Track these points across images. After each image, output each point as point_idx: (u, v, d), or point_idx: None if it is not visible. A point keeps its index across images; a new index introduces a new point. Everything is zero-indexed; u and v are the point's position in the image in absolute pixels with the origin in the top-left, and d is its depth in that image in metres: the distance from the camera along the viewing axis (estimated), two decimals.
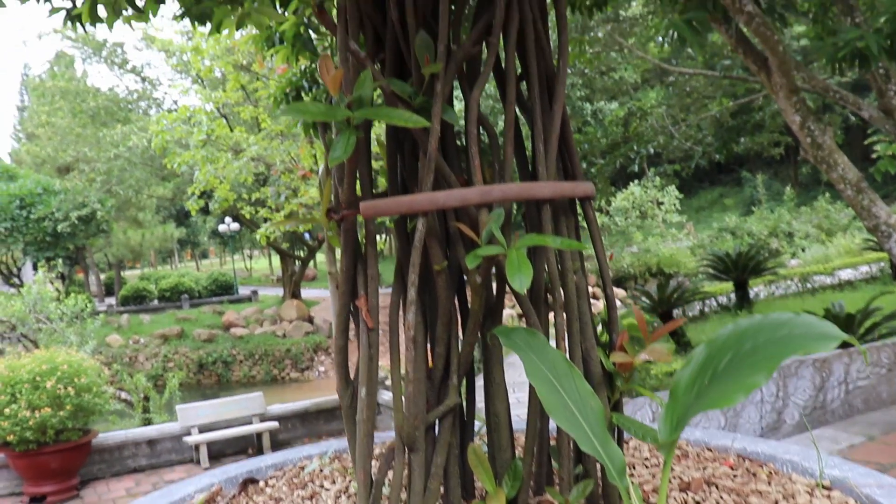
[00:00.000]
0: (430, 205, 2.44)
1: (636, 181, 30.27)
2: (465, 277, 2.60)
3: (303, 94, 7.21)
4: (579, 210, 3.00)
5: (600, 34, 17.64)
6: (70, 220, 29.58)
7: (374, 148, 6.33)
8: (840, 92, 10.01)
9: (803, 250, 26.31)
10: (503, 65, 2.69)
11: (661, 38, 10.11)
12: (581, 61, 13.27)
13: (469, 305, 2.68)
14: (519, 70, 2.84)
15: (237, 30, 4.76)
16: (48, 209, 29.95)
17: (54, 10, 4.03)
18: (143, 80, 29.05)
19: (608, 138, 17.45)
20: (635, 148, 17.15)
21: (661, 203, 29.29)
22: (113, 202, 31.74)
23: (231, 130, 17.97)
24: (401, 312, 2.69)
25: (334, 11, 2.82)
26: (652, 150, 17.33)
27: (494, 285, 2.83)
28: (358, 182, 2.67)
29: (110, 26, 4.59)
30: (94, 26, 4.46)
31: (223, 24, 4.63)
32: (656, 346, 2.91)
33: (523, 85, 2.88)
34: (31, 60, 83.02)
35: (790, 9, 9.69)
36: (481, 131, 2.66)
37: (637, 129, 17.67)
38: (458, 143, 2.83)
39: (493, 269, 2.70)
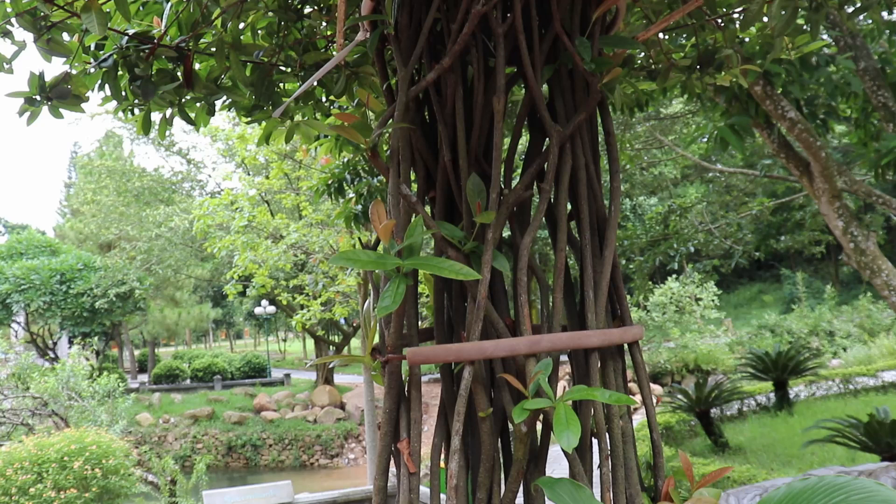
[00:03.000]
0: (477, 354, 2.40)
1: (674, 276, 30.08)
2: (510, 424, 2.53)
3: (345, 186, 7.27)
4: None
5: (640, 129, 17.78)
6: (108, 297, 29.98)
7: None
8: (883, 197, 9.93)
9: (845, 350, 25.80)
10: (554, 209, 2.67)
11: (704, 139, 10.14)
12: (622, 159, 13.35)
13: (513, 451, 2.60)
14: (569, 208, 2.82)
15: (286, 142, 4.82)
16: (87, 285, 30.41)
17: (115, 107, 4.10)
18: (189, 162, 29.68)
19: (648, 235, 17.40)
20: (675, 246, 17.09)
21: (700, 299, 29.04)
22: (151, 280, 32.15)
23: (272, 216, 18.19)
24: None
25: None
26: (692, 249, 17.23)
27: (539, 430, 2.76)
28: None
29: (162, 136, 4.67)
30: (147, 135, 4.53)
31: (272, 135, 4.70)
32: (704, 494, 2.80)
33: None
34: (81, 138, 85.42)
35: (832, 115, 9.70)
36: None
37: (677, 226, 17.62)
38: (506, 286, 2.80)
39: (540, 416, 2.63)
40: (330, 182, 7.27)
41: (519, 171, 2.95)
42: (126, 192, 30.89)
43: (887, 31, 8.02)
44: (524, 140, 2.87)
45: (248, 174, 21.79)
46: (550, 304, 2.62)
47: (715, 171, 19.43)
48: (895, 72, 9.18)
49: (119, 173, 31.22)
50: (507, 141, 3.95)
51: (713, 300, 29.24)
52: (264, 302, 33.65)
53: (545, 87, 2.86)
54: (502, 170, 2.64)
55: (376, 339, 2.68)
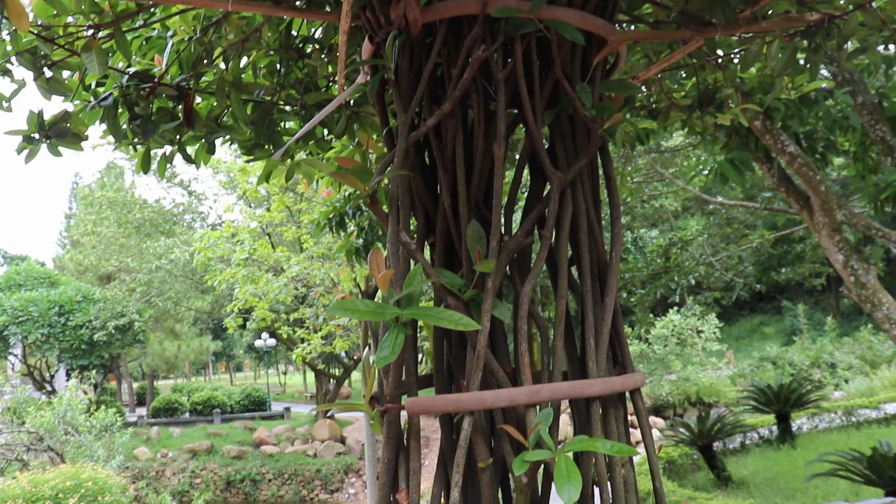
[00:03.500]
0: (477, 405, 2.36)
1: (676, 308, 30.01)
2: (510, 474, 2.49)
3: (346, 220, 7.26)
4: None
5: (641, 162, 17.83)
6: (107, 329, 29.87)
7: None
8: (882, 230, 9.92)
9: (847, 382, 25.70)
10: (555, 255, 2.64)
11: (705, 172, 10.15)
12: (623, 192, 13.36)
13: (513, 502, 2.56)
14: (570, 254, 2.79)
15: (286, 181, 4.81)
16: (86, 317, 30.31)
17: (120, 146, 4.10)
18: (190, 193, 29.74)
19: (649, 268, 17.39)
20: (676, 279, 17.07)
21: (701, 331, 28.95)
22: (151, 313, 32.07)
23: (273, 249, 18.19)
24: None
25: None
26: (693, 281, 17.22)
27: (540, 478, 2.72)
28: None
29: (161, 174, 4.66)
30: (146, 174, 4.53)
31: (273, 174, 4.69)
32: None
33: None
34: (82, 169, 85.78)
35: (831, 149, 9.72)
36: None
37: (678, 259, 17.61)
38: (507, 332, 2.76)
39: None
40: (331, 216, 7.27)
41: (520, 214, 2.93)
42: (127, 224, 30.92)
43: (884, 66, 8.05)
44: (526, 179, 2.85)
45: (250, 206, 21.82)
46: (551, 349, 2.59)
47: (715, 203, 19.45)
48: (893, 106, 9.21)
49: (120, 204, 31.27)
50: (507, 184, 3.93)
51: (714, 332, 29.15)
52: (265, 335, 33.56)
53: (546, 130, 2.84)
54: (503, 216, 2.62)
55: (375, 388, 2.64)
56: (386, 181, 2.88)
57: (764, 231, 19.10)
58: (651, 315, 24.36)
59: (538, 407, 2.46)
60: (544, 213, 2.62)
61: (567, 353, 2.88)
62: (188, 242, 24.15)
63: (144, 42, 4.14)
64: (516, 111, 2.80)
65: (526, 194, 2.80)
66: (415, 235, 2.81)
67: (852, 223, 10.08)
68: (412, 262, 2.54)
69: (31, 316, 29.87)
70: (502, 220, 2.62)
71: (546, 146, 2.78)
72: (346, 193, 7.07)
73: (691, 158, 18.05)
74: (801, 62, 4.31)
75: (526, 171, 2.87)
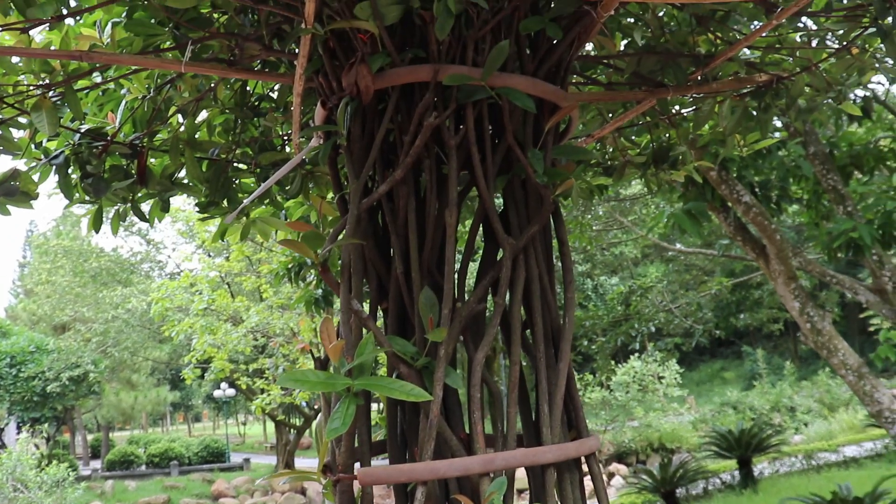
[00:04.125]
0: (430, 475, 2.33)
1: (637, 355, 30.12)
2: None
3: (305, 270, 7.22)
4: None
5: (600, 211, 18.01)
6: (61, 381, 29.22)
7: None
8: (836, 276, 10.09)
9: (806, 425, 25.88)
10: (508, 321, 2.63)
11: (663, 222, 10.28)
12: (582, 241, 13.46)
13: None
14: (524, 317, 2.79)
15: (242, 238, 4.77)
16: (39, 368, 29.64)
17: (71, 204, 4.05)
18: (148, 242, 29.44)
19: (609, 315, 17.50)
20: (636, 326, 17.19)
21: (662, 377, 29.04)
22: (107, 363, 31.49)
23: (233, 298, 18.01)
24: None
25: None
26: (653, 328, 17.35)
27: None
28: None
29: (114, 232, 4.60)
30: (98, 233, 4.47)
31: (227, 231, 4.65)
32: None
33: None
34: (37, 217, 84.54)
35: (785, 198, 9.91)
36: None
37: (637, 306, 17.75)
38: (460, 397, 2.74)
39: None
40: (290, 266, 7.24)
41: (473, 278, 2.92)
42: (83, 273, 30.47)
43: (833, 117, 8.27)
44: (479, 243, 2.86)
45: (209, 256, 21.64)
46: (505, 416, 2.57)
47: (674, 250, 19.68)
48: (843, 155, 9.43)
49: (76, 253, 30.84)
50: (462, 242, 3.93)
51: (676, 378, 29.23)
52: (224, 384, 33.07)
53: (499, 195, 2.85)
54: (455, 282, 2.61)
55: (327, 457, 2.60)
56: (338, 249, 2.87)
57: (722, 278, 19.36)
58: (612, 362, 24.46)
59: (492, 475, 2.43)
60: (497, 278, 2.61)
61: (521, 417, 2.87)
62: (146, 292, 23.84)
63: (101, 94, 4.11)
64: (469, 176, 2.81)
65: (479, 259, 2.80)
66: (368, 300, 2.80)
67: (807, 270, 10.25)
68: (364, 329, 2.52)
69: None
70: (455, 287, 2.61)
71: (499, 211, 2.79)
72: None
73: (650, 206, 18.29)
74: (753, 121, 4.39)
75: (480, 235, 2.87)
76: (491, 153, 2.67)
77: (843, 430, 23.14)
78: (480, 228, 2.82)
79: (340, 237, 2.59)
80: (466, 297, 2.68)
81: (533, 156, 2.60)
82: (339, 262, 2.72)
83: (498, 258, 2.74)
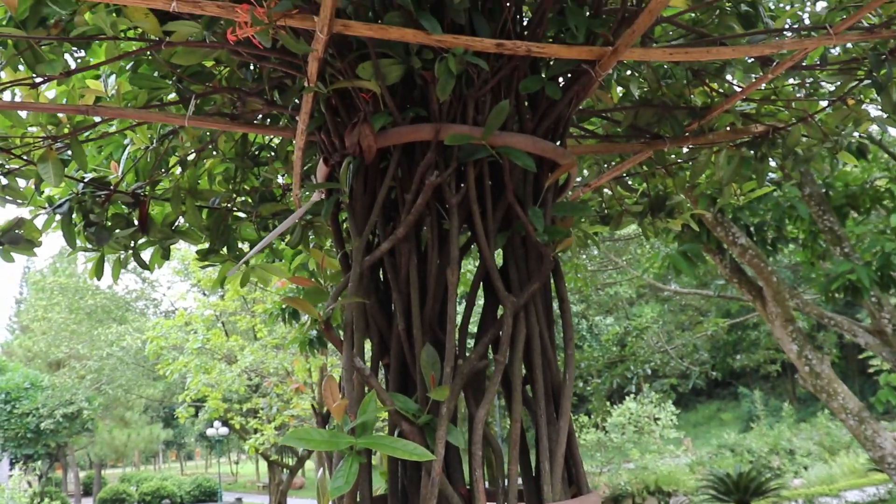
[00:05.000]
0: None
1: (632, 396, 29.97)
2: None
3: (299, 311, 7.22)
4: None
5: (595, 251, 18.05)
6: (55, 417, 29.05)
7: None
8: (834, 318, 10.10)
9: (806, 469, 25.66)
10: (509, 378, 2.65)
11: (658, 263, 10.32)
12: (577, 283, 13.48)
13: None
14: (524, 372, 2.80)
15: (241, 286, 4.79)
16: (33, 404, 29.49)
17: (74, 252, 4.07)
18: (143, 280, 29.39)
19: (605, 357, 17.47)
20: (632, 367, 17.16)
21: (658, 418, 28.89)
22: (101, 401, 31.31)
23: (227, 337, 17.97)
24: None
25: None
26: (649, 370, 17.32)
27: None
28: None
29: (115, 279, 4.62)
30: (99, 280, 4.49)
31: (227, 279, 4.66)
32: None
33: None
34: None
35: (781, 239, 9.94)
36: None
37: (633, 347, 17.73)
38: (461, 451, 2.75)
39: None
40: (284, 306, 7.26)
41: (474, 333, 2.94)
42: (78, 310, 30.35)
43: (829, 158, 8.34)
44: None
45: (204, 294, 21.61)
46: (506, 472, 2.57)
47: (669, 291, 19.70)
48: (838, 195, 9.48)
49: (72, 290, 30.75)
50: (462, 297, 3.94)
51: (672, 419, 29.06)
52: (217, 423, 32.83)
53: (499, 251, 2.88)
54: (457, 338, 2.63)
55: None
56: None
57: (718, 319, 19.32)
58: (607, 403, 24.36)
59: None
60: (498, 336, 2.63)
61: (522, 472, 2.87)
62: (140, 329, 23.78)
63: (99, 150, 4.15)
64: (470, 232, 2.84)
65: (480, 315, 2.82)
66: (370, 356, 2.81)
67: (805, 311, 10.27)
68: (367, 388, 2.53)
69: None
70: (456, 343, 2.63)
71: (499, 265, 2.82)
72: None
73: (644, 246, 18.34)
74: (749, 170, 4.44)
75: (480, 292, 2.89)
76: (492, 211, 2.71)
77: (844, 473, 22.91)
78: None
79: (343, 295, 2.61)
80: (467, 353, 2.70)
81: (533, 214, 2.63)
82: (342, 317, 2.75)
83: (498, 314, 2.76)
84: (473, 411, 2.56)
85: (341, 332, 2.77)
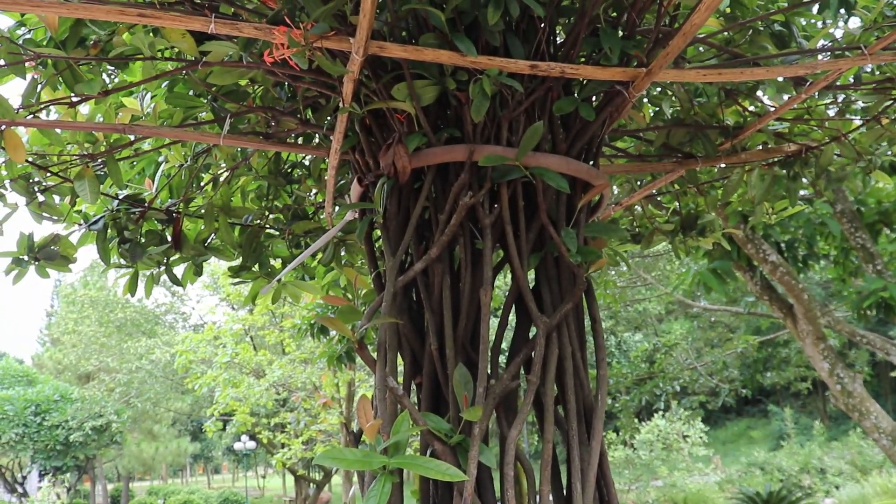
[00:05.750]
0: None
1: (661, 413, 29.71)
2: None
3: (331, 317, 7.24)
4: None
5: (624, 267, 17.98)
6: (84, 430, 29.23)
7: None
8: (867, 336, 9.98)
9: (837, 488, 25.28)
10: (541, 398, 2.64)
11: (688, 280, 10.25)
12: (606, 299, 13.42)
13: None
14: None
15: (272, 302, 4.82)
16: (63, 417, 29.70)
17: (108, 268, 4.11)
18: (173, 294, 29.64)
19: (634, 373, 17.37)
20: (661, 384, 17.04)
21: (687, 436, 28.61)
22: (129, 413, 31.50)
23: (256, 352, 18.06)
24: None
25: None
26: (678, 387, 17.18)
27: None
28: None
29: (148, 295, 4.67)
30: (133, 296, 4.53)
31: (258, 296, 4.69)
32: None
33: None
34: None
35: (812, 256, 9.85)
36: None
37: (662, 364, 17.60)
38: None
39: None
40: (313, 321, 7.28)
41: (506, 352, 2.94)
42: (108, 323, 30.68)
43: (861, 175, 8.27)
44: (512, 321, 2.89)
45: (233, 308, 21.75)
46: (538, 493, 2.57)
47: (699, 307, 19.56)
48: (871, 212, 9.38)
49: (102, 304, 31.08)
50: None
51: (701, 437, 28.75)
52: (244, 437, 32.97)
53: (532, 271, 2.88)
54: (489, 358, 2.63)
55: None
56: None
57: (748, 336, 19.16)
58: (636, 420, 24.15)
59: None
60: (531, 356, 2.63)
61: (553, 494, 2.86)
62: (169, 343, 23.98)
63: (133, 153, 4.21)
64: (503, 252, 2.85)
65: (512, 335, 2.82)
66: (402, 376, 2.82)
67: (836, 329, 10.15)
68: (399, 407, 2.54)
69: (6, 415, 29.23)
70: (489, 363, 2.63)
71: (532, 285, 2.82)
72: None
73: (674, 262, 18.23)
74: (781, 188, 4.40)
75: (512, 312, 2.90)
76: (525, 231, 2.71)
77: (877, 493, 22.55)
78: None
79: (376, 314, 2.62)
80: (500, 372, 2.70)
81: (566, 235, 2.63)
82: (374, 335, 2.76)
83: (530, 334, 2.76)
84: (505, 432, 2.56)
85: (373, 350, 2.78)
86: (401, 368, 2.85)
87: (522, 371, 2.72)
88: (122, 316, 30.53)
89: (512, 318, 2.82)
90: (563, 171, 2.71)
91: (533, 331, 2.71)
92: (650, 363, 17.63)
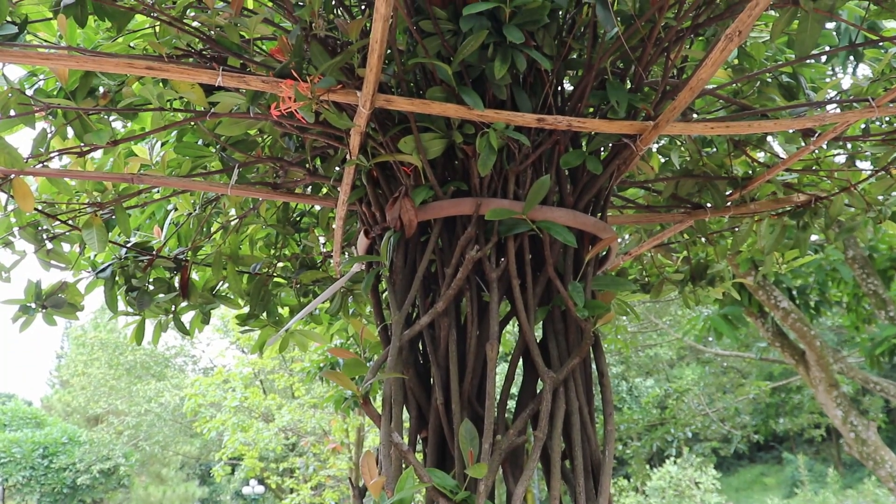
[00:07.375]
0: None
1: (673, 459, 29.39)
2: None
3: (337, 370, 7.21)
4: None
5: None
6: (91, 473, 29.09)
7: None
8: (880, 383, 9.88)
9: None
10: (548, 453, 2.60)
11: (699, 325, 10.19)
12: (617, 344, 13.36)
13: None
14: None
15: (280, 351, 4.80)
16: (71, 459, 29.57)
17: (115, 315, 4.10)
18: (183, 337, 29.59)
19: (645, 419, 17.20)
20: (672, 431, 16.87)
21: (699, 483, 28.26)
22: (137, 457, 31.34)
23: (265, 396, 17.98)
24: None
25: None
26: (690, 434, 17.00)
27: None
28: None
29: (155, 343, 4.66)
30: (139, 343, 4.52)
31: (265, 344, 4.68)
32: None
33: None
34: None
35: (824, 303, 9.78)
36: None
37: (674, 410, 17.45)
38: None
39: None
40: (322, 365, 7.26)
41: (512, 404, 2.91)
42: (118, 366, 30.62)
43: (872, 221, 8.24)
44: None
45: (242, 352, 21.71)
46: None
47: (710, 353, 19.42)
48: (883, 259, 9.34)
49: (112, 346, 31.05)
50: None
51: (713, 484, 28.41)
52: (253, 482, 32.66)
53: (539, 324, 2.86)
54: (495, 412, 2.60)
55: None
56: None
57: (760, 381, 19.00)
58: (647, 466, 23.86)
59: None
60: (538, 411, 2.60)
61: None
62: (179, 386, 23.90)
63: (143, 211, 4.22)
64: (509, 304, 2.83)
65: (519, 389, 2.79)
66: (408, 429, 2.79)
67: (849, 376, 10.06)
68: (404, 461, 2.51)
69: (13, 458, 29.13)
70: (495, 418, 2.60)
71: (539, 339, 2.79)
72: (338, 342, 7.10)
73: (685, 308, 18.13)
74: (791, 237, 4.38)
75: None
76: (532, 285, 2.69)
77: None
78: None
79: (382, 368, 2.60)
80: (506, 426, 2.66)
81: (573, 289, 2.61)
82: (380, 388, 2.73)
83: (537, 389, 2.73)
84: (512, 488, 2.52)
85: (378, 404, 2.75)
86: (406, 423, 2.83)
87: (529, 426, 2.69)
88: (132, 358, 30.47)
89: (519, 371, 2.79)
90: (571, 225, 2.70)
91: (540, 385, 2.68)
92: (662, 409, 17.46)
